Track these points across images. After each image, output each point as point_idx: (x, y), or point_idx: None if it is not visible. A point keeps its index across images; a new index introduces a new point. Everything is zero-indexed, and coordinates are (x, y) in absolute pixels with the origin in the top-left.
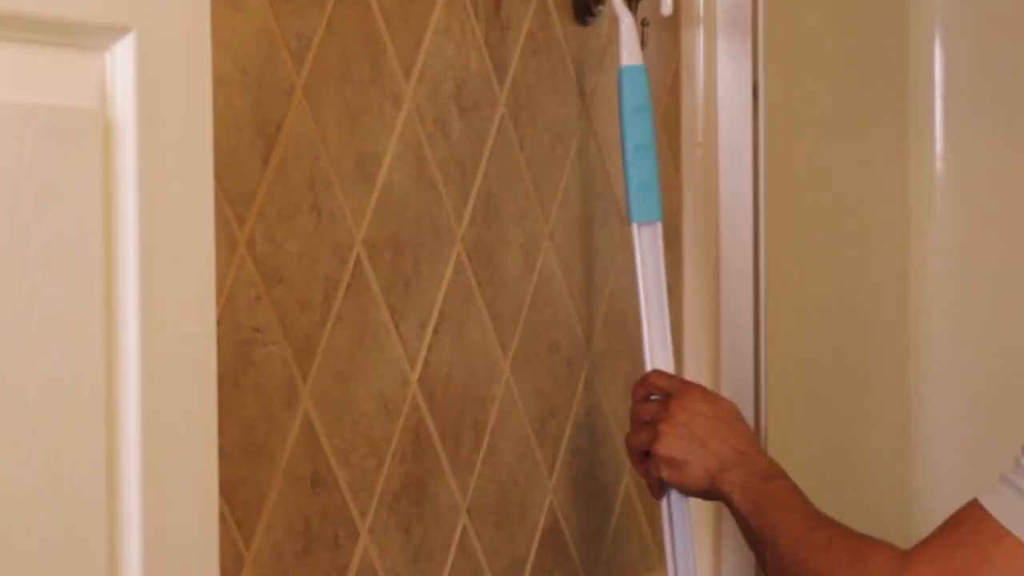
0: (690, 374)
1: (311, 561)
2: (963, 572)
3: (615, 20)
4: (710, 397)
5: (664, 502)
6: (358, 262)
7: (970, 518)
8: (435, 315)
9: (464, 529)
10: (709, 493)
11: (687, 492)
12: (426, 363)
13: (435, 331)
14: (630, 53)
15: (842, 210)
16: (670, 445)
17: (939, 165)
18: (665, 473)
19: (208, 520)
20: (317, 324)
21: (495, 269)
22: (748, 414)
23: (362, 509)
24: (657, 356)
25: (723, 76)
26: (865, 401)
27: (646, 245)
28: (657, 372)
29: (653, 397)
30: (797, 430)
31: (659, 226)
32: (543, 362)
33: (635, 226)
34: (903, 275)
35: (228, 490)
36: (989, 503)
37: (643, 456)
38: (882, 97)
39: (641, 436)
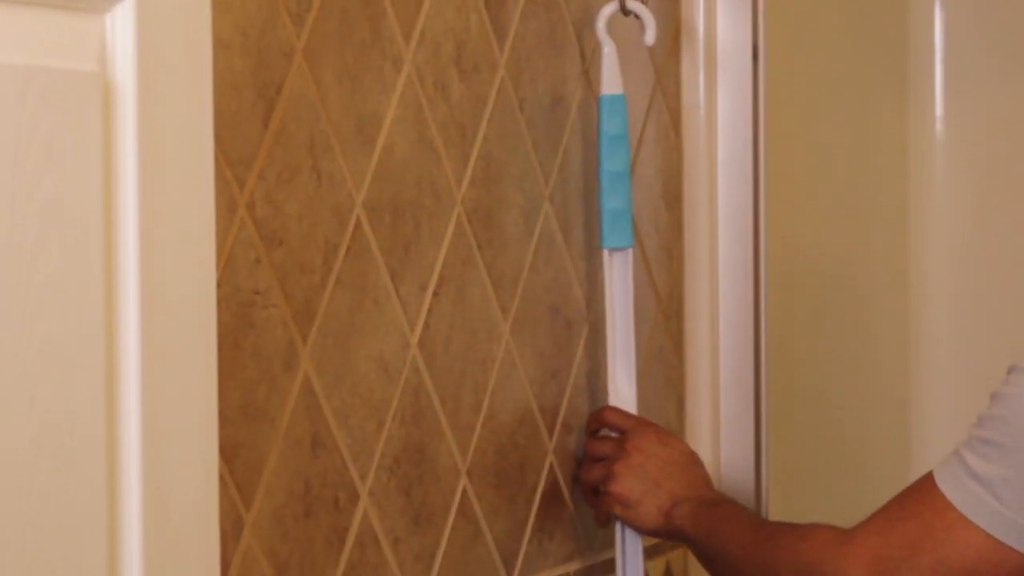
0: (689, 332)
1: (311, 524)
2: (905, 544)
3: (598, 47)
4: (666, 439)
5: (616, 528)
6: (358, 225)
7: (919, 491)
8: (435, 277)
9: (464, 491)
10: (662, 531)
11: (640, 530)
12: (426, 326)
13: (435, 293)
14: (610, 82)
15: (842, 172)
16: (625, 484)
17: (939, 127)
18: (618, 510)
19: (208, 483)
20: (317, 287)
21: (495, 231)
22: (747, 384)
23: (362, 471)
24: (620, 384)
25: (723, 38)
26: (864, 378)
27: (616, 271)
28: (613, 409)
29: (606, 433)
30: (796, 396)
31: (630, 252)
32: (543, 324)
33: (606, 252)
34: (903, 236)
35: (228, 453)
36: (939, 476)
37: (595, 491)
38: (882, 59)
39: (594, 472)
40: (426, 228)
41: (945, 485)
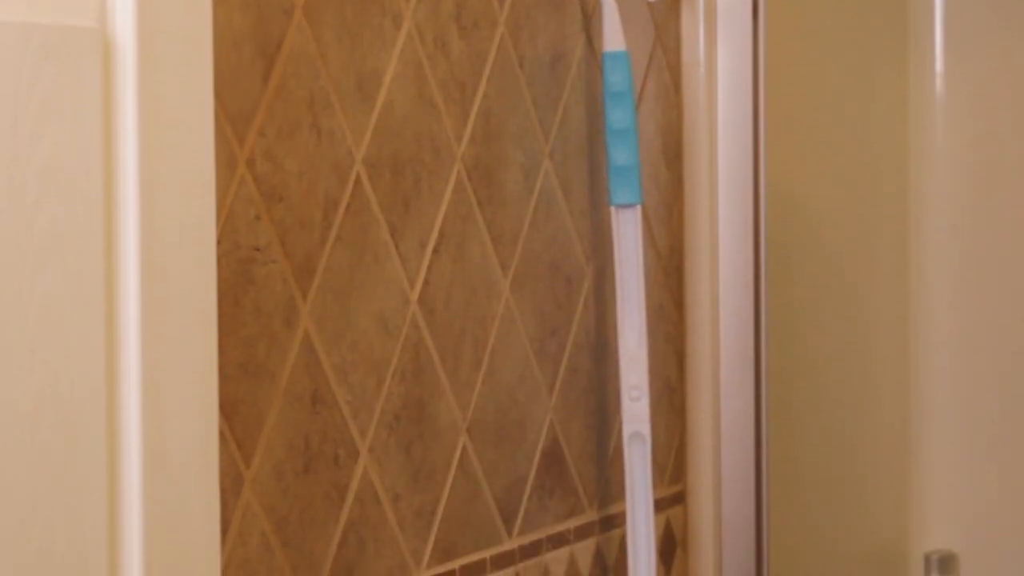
0: (689, 288)
1: (311, 480)
2: None
3: (598, 3)
4: None
5: (627, 482)
6: (358, 181)
7: None
8: (435, 234)
9: (464, 448)
10: None
11: None
12: (426, 282)
13: (435, 250)
14: (613, 38)
15: (842, 128)
16: None
17: (939, 84)
18: None
19: (208, 439)
20: (317, 243)
21: (495, 188)
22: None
23: (362, 428)
24: (630, 342)
25: None
26: (864, 328)
27: (624, 229)
28: None
29: None
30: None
31: (638, 209)
32: (543, 281)
33: (614, 209)
34: (903, 191)
35: (228, 409)
36: None
37: None
38: (883, 15)
39: None
40: (426, 185)
41: None
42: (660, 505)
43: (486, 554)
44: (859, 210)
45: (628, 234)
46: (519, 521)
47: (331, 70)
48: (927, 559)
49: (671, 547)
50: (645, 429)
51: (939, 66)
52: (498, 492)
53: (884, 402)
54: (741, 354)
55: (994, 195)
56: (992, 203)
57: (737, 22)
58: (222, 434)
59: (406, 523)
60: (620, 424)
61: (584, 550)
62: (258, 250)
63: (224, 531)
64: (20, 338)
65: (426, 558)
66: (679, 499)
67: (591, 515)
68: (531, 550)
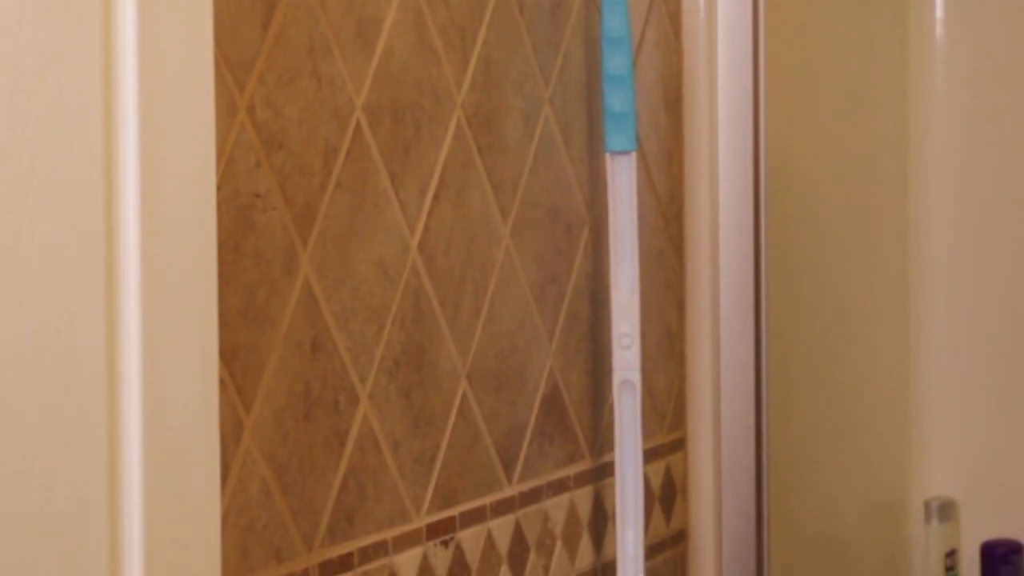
0: (689, 235)
1: (311, 427)
2: None
3: None
4: None
5: (616, 431)
6: (358, 128)
7: None
8: (435, 181)
9: (464, 395)
10: None
11: None
12: (426, 229)
13: (435, 197)
14: None
15: (842, 73)
16: None
17: (939, 30)
18: None
19: (208, 386)
20: (317, 190)
21: (495, 135)
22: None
23: (362, 375)
24: (622, 290)
25: None
26: (864, 274)
27: (619, 176)
28: None
29: None
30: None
31: (633, 156)
32: (543, 228)
33: (609, 156)
34: (903, 138)
35: (228, 356)
36: None
37: None
38: None
39: None
40: (426, 131)
41: None
42: (660, 452)
43: (486, 500)
44: (859, 154)
45: (623, 181)
46: (519, 468)
47: (331, 17)
48: (927, 505)
49: (671, 493)
50: (635, 377)
51: (939, 12)
52: (498, 438)
53: (884, 347)
54: (741, 300)
55: (994, 140)
56: (992, 148)
57: None
58: (222, 381)
59: (406, 469)
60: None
61: (584, 497)
62: (258, 197)
63: (224, 477)
64: (19, 282)
65: (426, 504)
66: (679, 446)
67: (591, 461)
68: (531, 497)
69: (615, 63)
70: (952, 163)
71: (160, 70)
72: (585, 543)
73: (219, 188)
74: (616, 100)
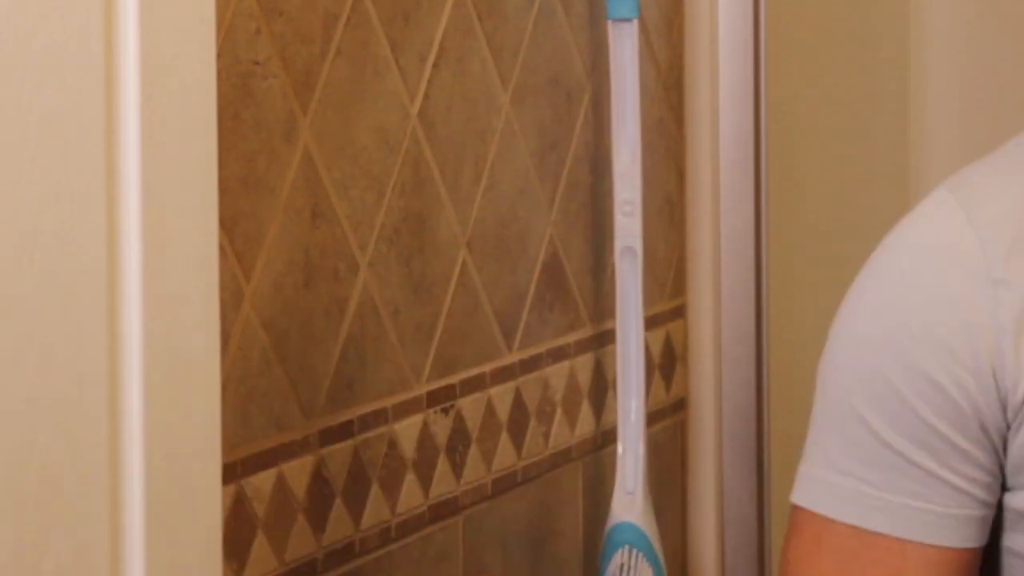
0: (689, 102)
1: (311, 294)
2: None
3: None
4: None
5: (617, 298)
6: None
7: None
8: (435, 48)
9: (464, 263)
10: None
11: None
12: (426, 96)
13: (435, 64)
14: None
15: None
16: None
17: None
18: None
19: (207, 253)
20: (317, 57)
21: (495, 2)
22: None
23: (362, 242)
24: (623, 157)
25: None
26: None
27: (621, 43)
28: None
29: None
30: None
31: (635, 24)
32: (543, 95)
33: (610, 23)
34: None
35: (228, 224)
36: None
37: None
38: None
39: None
40: None
41: (796, 497)
42: (660, 319)
43: (486, 368)
44: (858, 28)
45: (625, 49)
46: (519, 335)
47: None
48: None
49: (671, 361)
50: (637, 244)
51: None
52: (498, 306)
53: (885, 197)
54: (741, 168)
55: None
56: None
57: None
58: (222, 248)
59: (406, 337)
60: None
61: (584, 364)
62: (258, 64)
63: (224, 346)
64: (18, 154)
65: (426, 372)
66: (679, 313)
67: (591, 329)
68: (531, 364)
69: None
70: (954, 50)
71: None
72: (585, 411)
73: (219, 56)
74: None
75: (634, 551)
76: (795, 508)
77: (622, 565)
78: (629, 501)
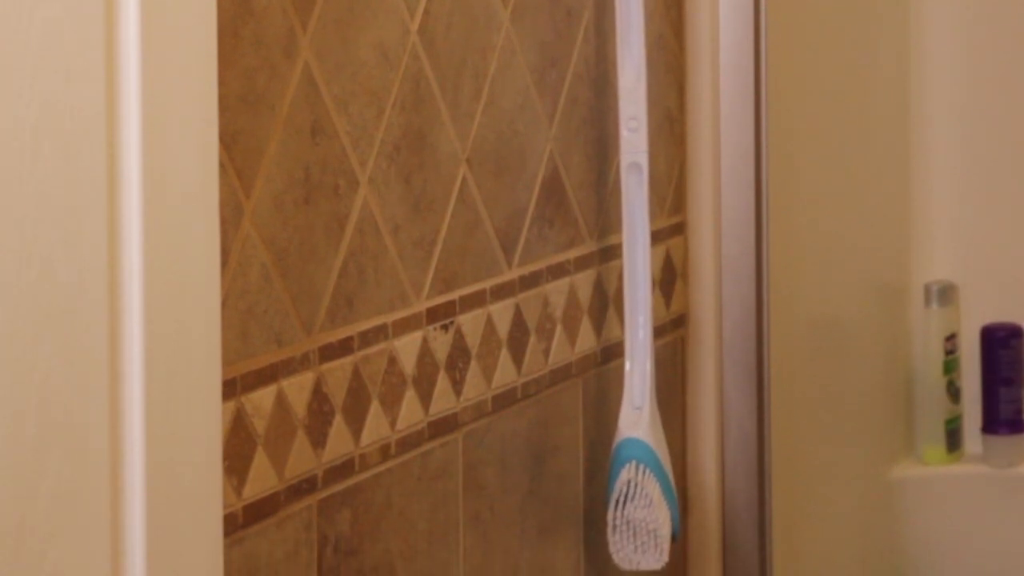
0: (689, 18)
1: (311, 211)
2: None
3: None
4: None
5: (624, 213)
6: None
7: None
8: None
9: (464, 179)
10: None
11: None
12: (426, 12)
13: None
14: None
15: None
16: None
17: None
18: None
19: (207, 169)
20: None
21: None
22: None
23: (362, 159)
24: (628, 74)
25: None
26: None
27: None
28: None
29: None
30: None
31: None
32: (543, 11)
33: None
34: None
35: (228, 140)
36: None
37: None
38: None
39: None
40: None
41: None
42: (660, 236)
43: (486, 284)
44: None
45: None
46: (519, 251)
47: None
48: (927, 289)
49: (671, 277)
50: (643, 159)
51: None
52: (498, 222)
53: (886, 129)
54: (741, 84)
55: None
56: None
57: None
58: (222, 165)
59: (406, 253)
60: (619, 155)
61: (584, 281)
62: None
63: (224, 262)
64: (19, 67)
65: (426, 288)
66: (679, 230)
67: (591, 246)
68: (531, 280)
69: None
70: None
71: None
72: (585, 327)
73: None
74: None
75: (641, 466)
76: None
77: (629, 481)
78: (636, 417)
